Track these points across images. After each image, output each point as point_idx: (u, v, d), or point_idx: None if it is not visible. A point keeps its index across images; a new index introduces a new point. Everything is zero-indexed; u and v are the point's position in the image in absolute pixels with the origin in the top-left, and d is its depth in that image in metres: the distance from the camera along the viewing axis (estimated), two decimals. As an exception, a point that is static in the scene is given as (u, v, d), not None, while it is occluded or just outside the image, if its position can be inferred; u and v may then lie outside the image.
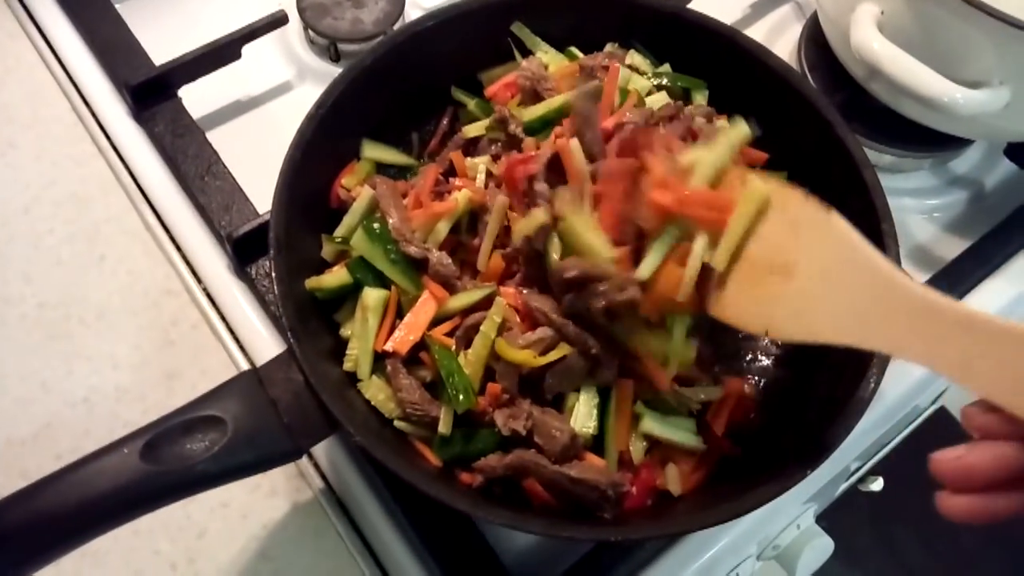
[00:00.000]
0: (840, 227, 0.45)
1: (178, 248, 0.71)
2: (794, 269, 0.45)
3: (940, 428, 0.86)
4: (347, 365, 0.58)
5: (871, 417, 0.67)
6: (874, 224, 0.59)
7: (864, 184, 0.60)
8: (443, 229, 0.59)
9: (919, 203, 0.83)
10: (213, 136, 0.76)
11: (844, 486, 0.87)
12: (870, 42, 0.69)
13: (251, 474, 0.50)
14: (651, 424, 0.56)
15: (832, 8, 0.78)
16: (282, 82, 0.82)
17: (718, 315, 0.51)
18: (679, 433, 0.56)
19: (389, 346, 0.56)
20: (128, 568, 0.58)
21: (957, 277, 0.75)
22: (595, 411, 0.55)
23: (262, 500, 0.61)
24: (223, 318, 0.68)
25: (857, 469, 0.88)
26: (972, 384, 0.38)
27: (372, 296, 0.56)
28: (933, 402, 0.89)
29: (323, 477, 0.63)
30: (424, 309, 0.56)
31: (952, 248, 0.78)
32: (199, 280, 0.70)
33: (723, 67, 0.68)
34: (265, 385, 0.52)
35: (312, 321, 0.58)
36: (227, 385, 0.51)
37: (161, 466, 0.46)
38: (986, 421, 0.37)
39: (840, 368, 0.56)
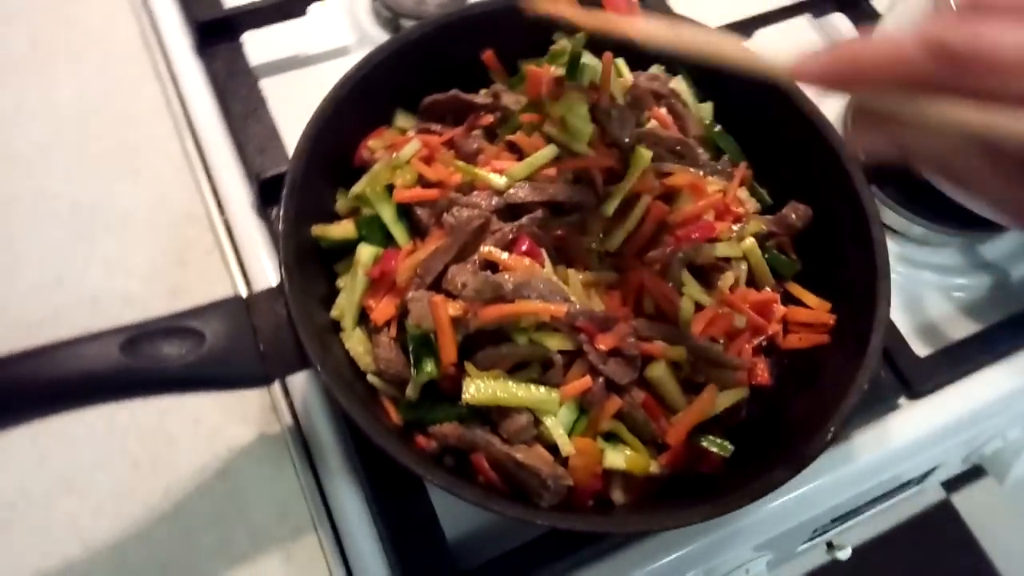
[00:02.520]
0: None
1: (209, 178, 0.75)
2: None
3: (941, 525, 0.82)
4: (334, 313, 0.60)
5: (834, 475, 0.68)
6: (870, 280, 0.59)
7: (870, 238, 0.61)
8: None
9: (940, 279, 0.82)
10: (265, 83, 0.80)
11: (805, 545, 0.87)
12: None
13: (219, 389, 0.53)
14: (613, 458, 0.56)
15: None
16: (340, 46, 0.85)
17: None
18: (639, 465, 0.56)
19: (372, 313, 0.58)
20: (95, 457, 0.62)
21: (961, 357, 0.74)
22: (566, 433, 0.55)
23: (233, 424, 0.64)
24: (236, 250, 0.71)
25: (823, 531, 0.87)
26: None
27: (365, 252, 0.58)
28: (923, 477, 0.87)
29: (294, 415, 0.65)
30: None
31: (963, 329, 0.77)
32: (222, 211, 0.73)
33: (758, 103, 0.69)
34: (250, 312, 0.54)
35: (310, 265, 0.60)
36: (215, 305, 0.54)
37: (136, 361, 0.49)
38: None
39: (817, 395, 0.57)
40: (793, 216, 0.66)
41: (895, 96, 0.39)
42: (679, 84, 0.71)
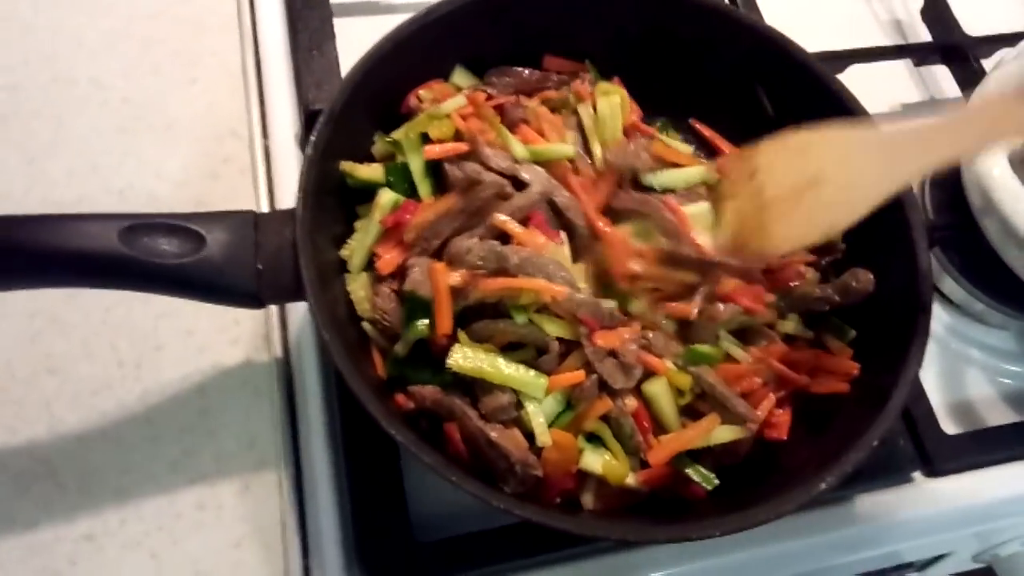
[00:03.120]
0: (833, 130, 0.55)
1: (261, 101, 0.74)
2: (820, 176, 0.54)
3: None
4: (343, 252, 0.59)
5: (827, 534, 0.63)
6: (906, 337, 0.55)
7: (917, 295, 0.56)
8: None
9: (988, 360, 0.76)
10: (339, 23, 0.79)
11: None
12: (991, 167, 0.64)
13: (208, 298, 0.52)
14: (590, 460, 0.53)
15: (974, 127, 0.73)
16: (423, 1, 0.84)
17: (785, 250, 0.58)
18: (616, 473, 0.54)
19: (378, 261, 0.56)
20: (83, 348, 0.62)
21: (990, 444, 0.68)
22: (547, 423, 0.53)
23: (223, 343, 0.63)
24: (269, 175, 0.71)
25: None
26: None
27: (386, 197, 0.57)
28: (928, 563, 0.82)
29: (286, 350, 0.64)
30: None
31: (1000, 417, 0.72)
32: (265, 135, 0.73)
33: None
34: (257, 229, 0.53)
35: (331, 200, 0.59)
36: (224, 214, 0.53)
37: (131, 250, 0.48)
38: None
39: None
40: (854, 284, 0.61)
41: None
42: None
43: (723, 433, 0.55)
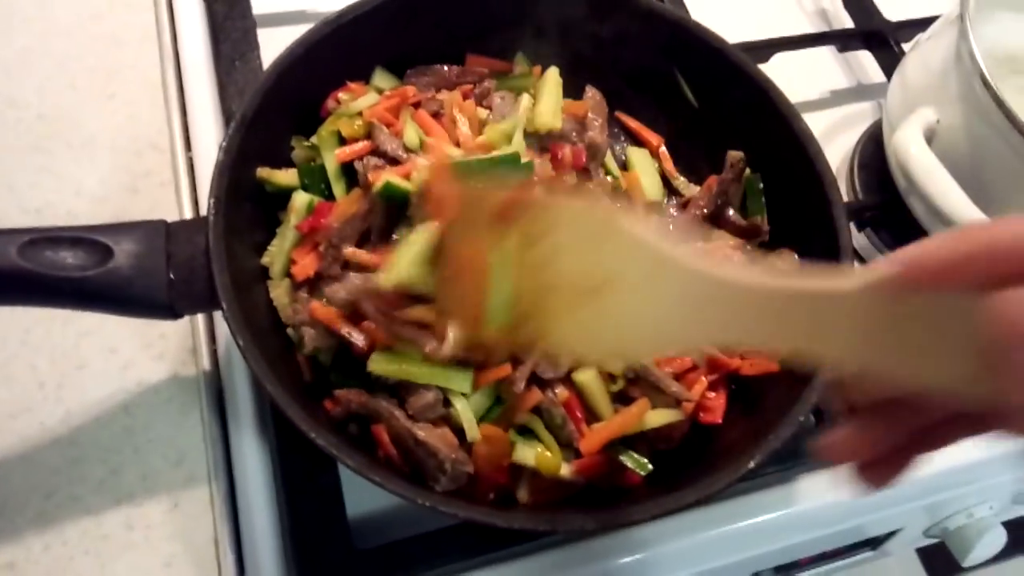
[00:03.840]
0: (633, 233, 0.38)
1: (183, 113, 0.73)
2: (617, 281, 0.39)
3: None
4: (264, 259, 0.58)
5: (771, 516, 0.63)
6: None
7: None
8: None
9: (924, 337, 0.77)
10: (263, 33, 0.78)
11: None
12: (908, 145, 0.65)
13: (119, 311, 0.51)
14: (523, 452, 0.53)
15: (895, 109, 0.74)
16: (347, 8, 0.84)
17: (561, 359, 0.50)
18: (549, 465, 0.53)
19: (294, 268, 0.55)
20: (1, 370, 0.60)
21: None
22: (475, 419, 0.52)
23: (148, 359, 0.62)
24: (193, 188, 0.69)
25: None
26: (822, 353, 0.34)
27: (300, 199, 0.56)
28: (881, 541, 0.82)
29: (215, 363, 0.63)
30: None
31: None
32: (188, 147, 0.71)
33: (751, 115, 0.65)
34: (169, 239, 0.52)
35: (249, 206, 0.58)
36: (133, 224, 0.52)
37: (32, 265, 0.47)
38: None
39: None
40: (779, 264, 0.62)
41: None
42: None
43: (656, 417, 0.55)
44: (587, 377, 0.54)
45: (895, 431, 0.35)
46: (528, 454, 0.52)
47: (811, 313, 0.32)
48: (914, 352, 0.30)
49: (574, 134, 0.64)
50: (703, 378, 0.57)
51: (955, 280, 0.28)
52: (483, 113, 0.64)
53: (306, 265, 0.54)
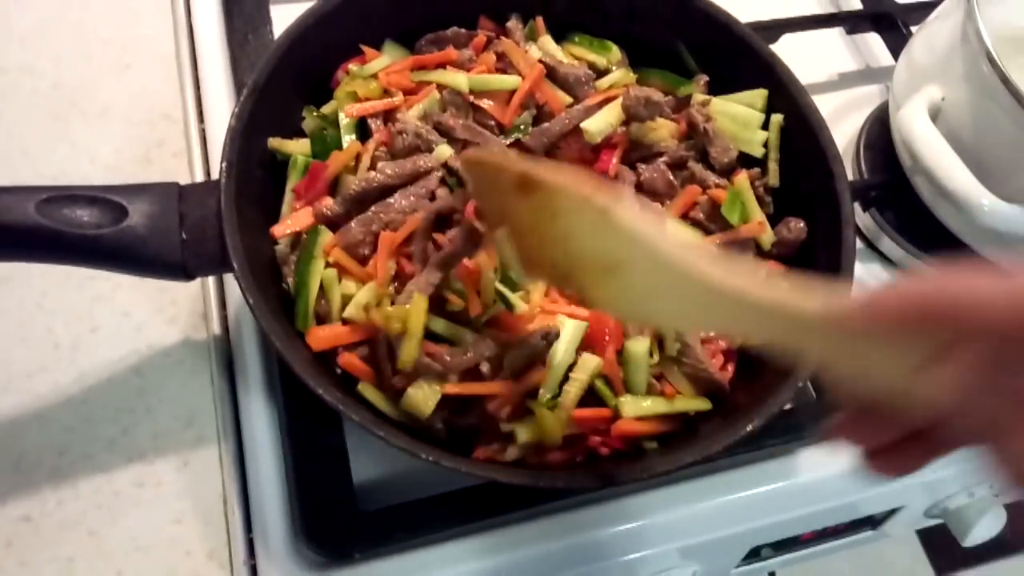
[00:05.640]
0: (628, 226, 0.40)
1: (196, 84, 0.74)
2: (625, 269, 0.41)
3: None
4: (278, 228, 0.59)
5: (768, 487, 0.64)
6: (831, 280, 0.56)
7: (839, 239, 0.58)
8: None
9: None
10: (276, 8, 0.79)
11: (741, 568, 0.82)
12: (913, 121, 0.66)
13: (131, 271, 0.52)
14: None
15: (901, 87, 0.74)
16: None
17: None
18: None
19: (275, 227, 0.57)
20: (18, 331, 0.61)
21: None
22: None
23: (160, 323, 0.63)
24: (205, 159, 0.71)
25: (762, 556, 0.82)
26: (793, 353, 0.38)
27: (299, 161, 0.57)
28: (881, 520, 0.83)
29: (225, 327, 0.64)
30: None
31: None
32: (201, 119, 0.72)
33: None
34: (182, 200, 0.53)
35: (261, 171, 0.59)
36: (147, 185, 0.53)
37: (50, 221, 0.48)
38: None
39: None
40: (787, 232, 0.62)
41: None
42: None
43: (686, 403, 0.56)
44: (639, 348, 0.54)
45: (889, 426, 0.36)
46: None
47: (781, 321, 0.36)
48: (865, 370, 0.34)
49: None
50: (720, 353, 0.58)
51: (906, 330, 0.31)
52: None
53: (282, 224, 0.55)
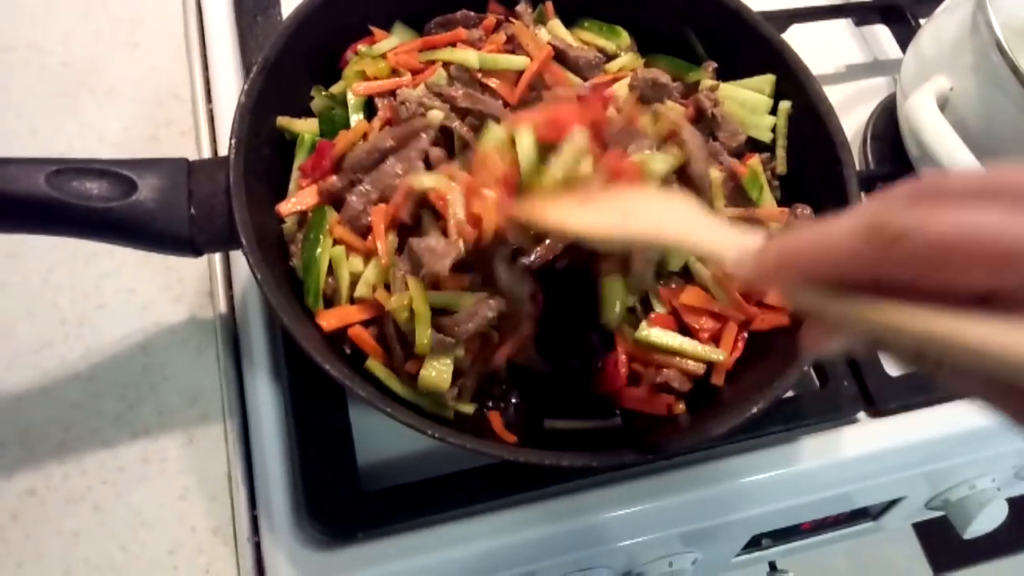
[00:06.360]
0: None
1: (204, 64, 0.74)
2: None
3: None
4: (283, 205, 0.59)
5: (771, 474, 0.64)
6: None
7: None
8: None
9: (932, 308, 0.78)
10: (286, -10, 0.80)
11: (742, 557, 0.83)
12: (921, 110, 0.66)
13: (139, 245, 0.52)
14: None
15: (910, 77, 0.74)
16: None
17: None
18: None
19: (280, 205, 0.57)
20: (23, 307, 0.61)
21: (928, 385, 0.69)
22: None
23: (166, 301, 0.63)
24: (213, 138, 0.71)
25: (763, 545, 0.83)
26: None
27: (306, 139, 0.57)
28: (882, 511, 0.83)
29: (231, 306, 0.64)
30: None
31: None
32: (208, 98, 0.72)
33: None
34: (191, 175, 0.53)
35: (269, 150, 0.59)
36: (156, 160, 0.53)
37: (59, 193, 0.48)
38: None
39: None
40: (793, 219, 0.62)
41: (836, 298, 0.32)
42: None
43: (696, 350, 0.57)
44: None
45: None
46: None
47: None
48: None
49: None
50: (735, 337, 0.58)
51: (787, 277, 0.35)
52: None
53: (287, 204, 0.56)
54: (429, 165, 0.56)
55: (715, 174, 0.60)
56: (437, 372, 0.51)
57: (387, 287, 0.54)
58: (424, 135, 0.56)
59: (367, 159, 0.55)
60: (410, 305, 0.51)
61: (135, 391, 0.60)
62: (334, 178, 0.56)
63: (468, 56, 0.60)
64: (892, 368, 0.70)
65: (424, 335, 0.50)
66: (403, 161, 0.55)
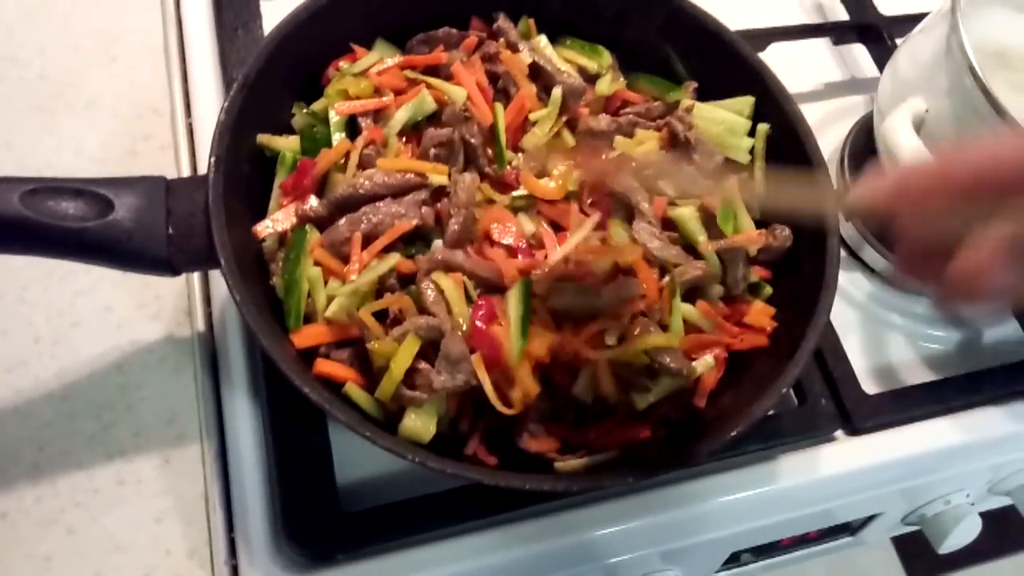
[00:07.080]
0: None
1: (184, 78, 0.73)
2: None
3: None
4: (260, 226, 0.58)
5: (749, 492, 0.64)
6: (816, 289, 0.57)
7: (823, 249, 0.58)
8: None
9: (909, 325, 0.78)
10: (266, 4, 0.79)
11: (723, 573, 0.83)
12: (897, 132, 0.66)
13: (116, 265, 0.51)
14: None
15: (886, 98, 0.75)
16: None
17: None
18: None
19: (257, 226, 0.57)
20: (-3, 324, 0.60)
21: (909, 403, 0.70)
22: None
23: (143, 319, 0.62)
24: (192, 153, 0.70)
25: (743, 560, 0.83)
26: None
27: (287, 156, 0.57)
28: (860, 526, 0.84)
29: (210, 325, 0.63)
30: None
31: (920, 377, 0.74)
32: (188, 113, 0.72)
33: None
34: (169, 194, 0.53)
35: (250, 168, 0.59)
36: (134, 179, 0.52)
37: (34, 213, 0.48)
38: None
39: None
40: (773, 240, 0.62)
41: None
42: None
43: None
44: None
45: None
46: None
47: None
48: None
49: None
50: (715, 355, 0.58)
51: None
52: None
53: (265, 225, 0.56)
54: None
55: (689, 210, 0.60)
56: (423, 423, 0.51)
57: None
58: (423, 189, 0.56)
59: (356, 199, 0.55)
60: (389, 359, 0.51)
61: (110, 411, 0.59)
62: (315, 202, 0.56)
63: (455, 92, 0.60)
64: (870, 387, 0.71)
65: (388, 388, 0.51)
66: (401, 203, 0.55)
